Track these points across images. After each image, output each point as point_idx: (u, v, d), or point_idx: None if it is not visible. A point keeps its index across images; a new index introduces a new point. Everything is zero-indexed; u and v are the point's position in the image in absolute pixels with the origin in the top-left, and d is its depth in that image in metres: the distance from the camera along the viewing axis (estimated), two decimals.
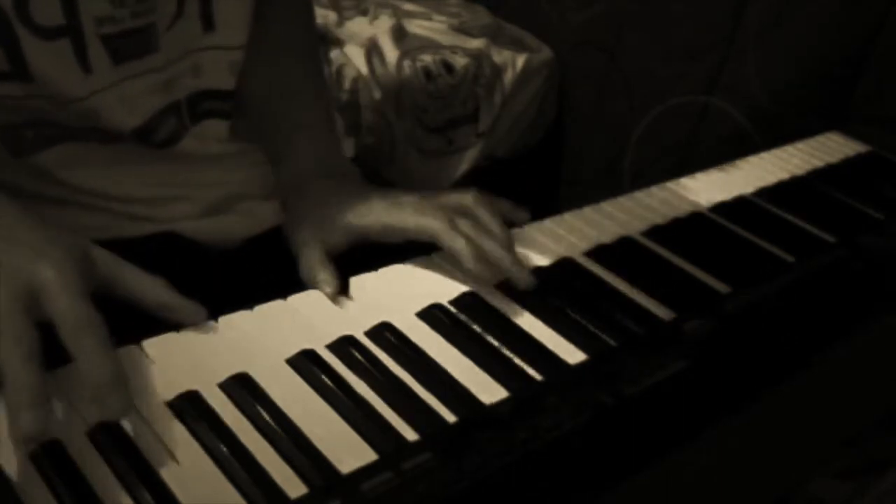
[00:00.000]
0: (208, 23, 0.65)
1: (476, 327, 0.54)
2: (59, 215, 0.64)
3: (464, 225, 0.58)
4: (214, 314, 0.51)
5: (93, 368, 0.43)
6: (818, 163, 0.82)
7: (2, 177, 0.62)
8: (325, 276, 0.57)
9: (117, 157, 0.65)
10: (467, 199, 0.61)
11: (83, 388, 0.43)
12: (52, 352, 0.43)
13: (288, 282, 0.55)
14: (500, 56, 1.49)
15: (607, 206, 0.69)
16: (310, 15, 0.77)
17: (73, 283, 0.45)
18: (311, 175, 0.67)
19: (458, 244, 0.56)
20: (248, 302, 0.53)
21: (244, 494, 0.41)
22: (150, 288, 0.50)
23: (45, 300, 0.44)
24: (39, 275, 0.44)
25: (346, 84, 1.35)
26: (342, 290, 0.56)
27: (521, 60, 1.51)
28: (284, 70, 0.73)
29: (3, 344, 0.42)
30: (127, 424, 0.43)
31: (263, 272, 0.70)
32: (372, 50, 1.41)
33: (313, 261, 0.58)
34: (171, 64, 0.64)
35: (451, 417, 0.47)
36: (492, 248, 0.57)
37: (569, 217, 0.67)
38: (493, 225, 0.59)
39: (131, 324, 0.49)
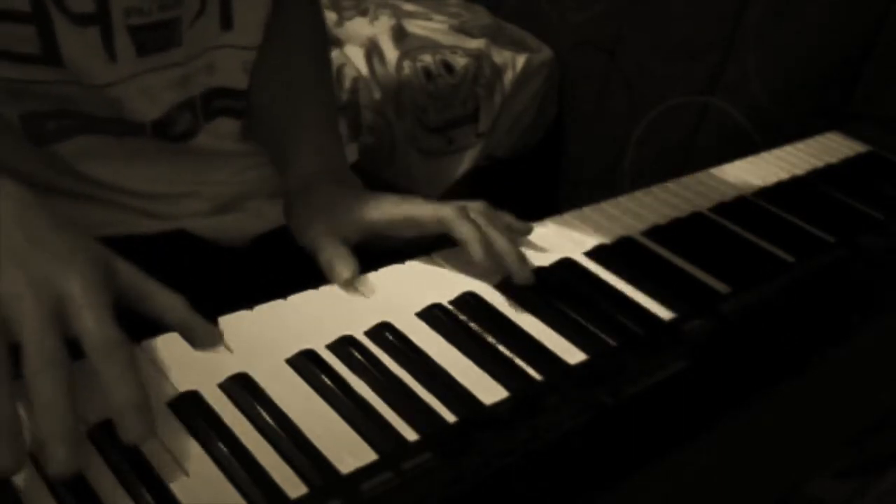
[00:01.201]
0: (227, 21, 0.66)
1: (476, 327, 0.54)
2: (72, 210, 0.64)
3: (474, 214, 0.58)
4: (222, 313, 0.51)
5: (118, 392, 0.41)
6: (818, 163, 0.82)
7: (19, 166, 0.62)
8: (343, 260, 0.57)
9: (133, 152, 0.65)
10: (476, 203, 0.61)
11: (111, 408, 0.42)
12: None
13: (296, 280, 0.55)
14: (500, 56, 1.49)
15: (607, 206, 0.69)
16: (319, 17, 0.78)
17: (100, 299, 0.43)
18: (316, 181, 0.67)
19: (469, 232, 0.56)
20: (256, 300, 0.53)
21: (244, 494, 0.41)
22: (172, 306, 0.49)
23: (72, 315, 0.42)
24: (68, 287, 0.43)
25: (346, 84, 1.35)
26: (342, 290, 0.56)
27: (521, 60, 1.51)
28: (292, 73, 0.73)
29: (36, 368, 0.40)
30: None
31: (271, 270, 0.70)
32: (372, 50, 1.41)
33: (331, 248, 0.58)
34: (190, 60, 0.64)
35: (451, 417, 0.47)
36: (499, 238, 0.57)
37: (569, 217, 0.67)
38: (501, 222, 0.60)
39: (131, 324, 0.48)
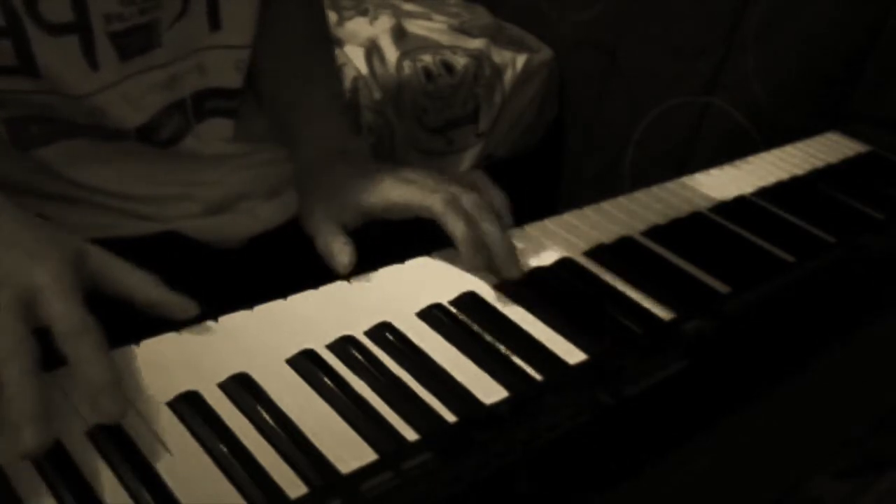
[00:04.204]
0: (214, 22, 0.65)
1: (476, 327, 0.54)
2: (62, 213, 0.64)
3: (466, 201, 0.58)
4: (215, 314, 0.51)
5: (88, 373, 0.42)
6: (818, 163, 0.82)
7: (6, 171, 0.62)
8: (341, 246, 0.58)
9: (122, 155, 0.65)
10: (474, 176, 0.61)
11: (80, 391, 0.43)
12: (51, 352, 0.43)
13: (289, 282, 0.55)
14: (500, 56, 1.49)
15: (607, 206, 0.69)
16: (319, 8, 0.78)
17: (68, 286, 0.44)
18: (319, 161, 0.67)
19: (458, 227, 0.56)
20: (248, 302, 0.53)
21: (244, 494, 0.41)
22: (140, 284, 0.50)
23: (41, 305, 0.43)
24: (34, 279, 0.44)
25: (346, 84, 1.35)
26: (342, 290, 0.56)
27: (521, 60, 1.51)
28: (292, 57, 0.74)
29: (2, 354, 0.41)
30: (127, 424, 0.43)
31: (265, 272, 0.70)
32: (372, 50, 1.41)
33: (329, 235, 0.59)
34: (176, 61, 0.64)
35: (451, 417, 0.47)
36: (490, 229, 0.58)
37: (569, 217, 0.67)
38: (496, 206, 0.59)
39: (132, 324, 0.48)
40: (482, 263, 0.57)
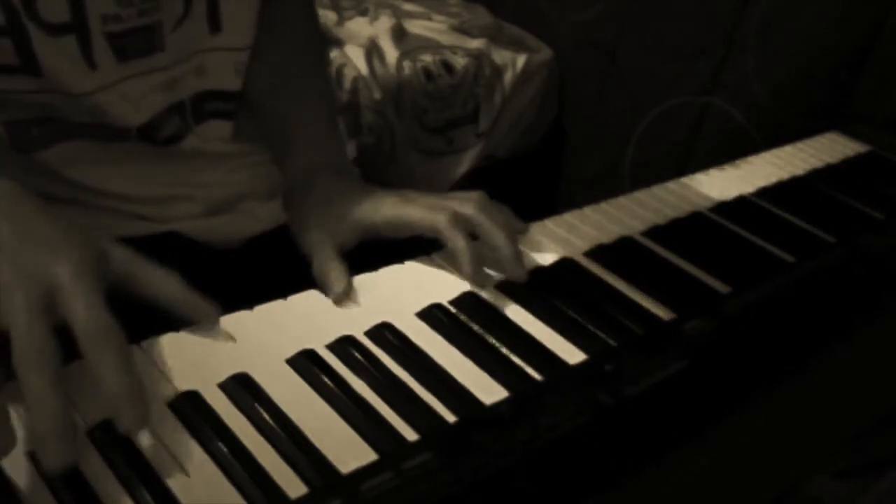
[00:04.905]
0: (215, 24, 0.65)
1: (476, 327, 0.54)
2: (61, 214, 0.64)
3: (473, 211, 0.57)
4: None
5: (110, 380, 0.41)
6: (818, 163, 0.82)
7: (6, 173, 0.62)
8: (337, 274, 0.56)
9: (122, 156, 0.65)
10: (475, 195, 0.60)
11: (101, 398, 0.41)
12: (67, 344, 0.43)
13: (289, 282, 0.55)
14: (500, 56, 1.49)
15: (607, 206, 0.69)
16: (313, 14, 0.78)
17: (91, 286, 0.43)
18: (315, 173, 0.66)
19: (460, 244, 0.56)
20: (249, 302, 0.53)
21: (244, 494, 0.41)
22: (165, 285, 0.49)
23: (63, 303, 0.42)
24: (57, 275, 0.42)
25: (346, 84, 1.35)
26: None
27: (521, 60, 1.51)
28: (289, 70, 0.73)
29: (25, 360, 0.39)
30: None
31: (265, 272, 0.70)
32: (372, 50, 1.41)
33: (325, 259, 0.58)
34: (176, 64, 0.64)
35: (451, 417, 0.47)
36: (496, 232, 0.57)
37: (569, 217, 0.66)
38: (502, 215, 0.59)
39: (132, 323, 0.48)
40: (483, 281, 0.57)
